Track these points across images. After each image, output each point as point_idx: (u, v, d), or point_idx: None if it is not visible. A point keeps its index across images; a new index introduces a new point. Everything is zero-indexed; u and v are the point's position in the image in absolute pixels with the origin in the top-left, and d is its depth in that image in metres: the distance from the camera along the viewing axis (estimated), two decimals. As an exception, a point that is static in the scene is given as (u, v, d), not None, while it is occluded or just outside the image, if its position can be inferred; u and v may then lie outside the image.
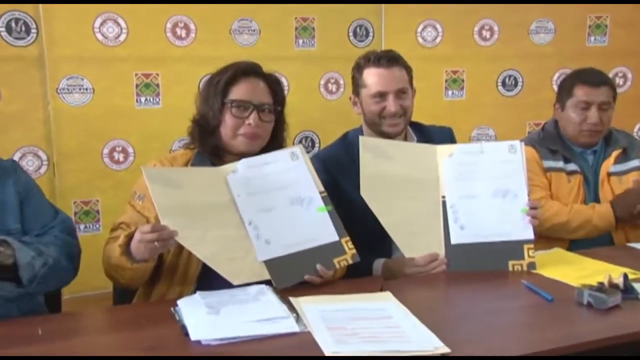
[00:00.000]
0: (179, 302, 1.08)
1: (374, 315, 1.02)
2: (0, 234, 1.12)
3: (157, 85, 2.01)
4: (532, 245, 1.29)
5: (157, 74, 2.01)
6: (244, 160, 1.26)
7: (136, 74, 1.99)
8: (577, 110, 1.65)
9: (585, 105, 1.64)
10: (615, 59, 2.38)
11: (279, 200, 1.23)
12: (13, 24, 1.84)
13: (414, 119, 1.57)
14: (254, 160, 1.26)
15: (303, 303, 1.07)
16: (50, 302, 1.27)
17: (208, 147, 1.31)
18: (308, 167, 1.28)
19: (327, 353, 0.88)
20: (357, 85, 1.53)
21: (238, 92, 1.29)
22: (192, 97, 1.38)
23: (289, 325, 0.98)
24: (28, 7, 1.85)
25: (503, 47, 2.33)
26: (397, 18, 2.24)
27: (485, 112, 2.36)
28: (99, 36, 1.94)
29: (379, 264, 1.38)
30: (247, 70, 1.31)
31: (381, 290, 1.15)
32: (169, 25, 2.01)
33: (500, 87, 2.37)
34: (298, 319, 1.00)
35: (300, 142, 2.15)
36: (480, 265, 1.29)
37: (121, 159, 2.00)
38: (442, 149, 1.40)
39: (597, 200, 1.66)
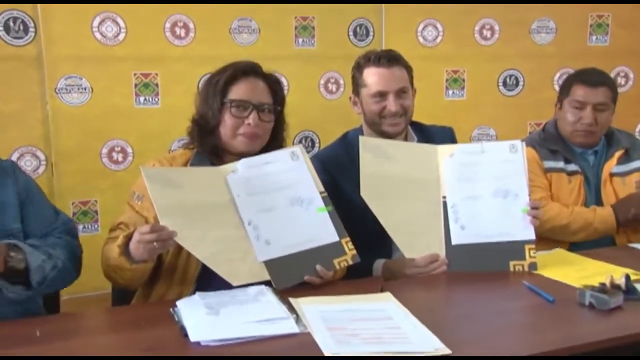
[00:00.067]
0: (178, 302, 1.07)
1: (374, 316, 1.02)
2: (1, 234, 1.12)
3: (156, 84, 2.01)
4: (533, 246, 1.29)
5: (156, 74, 2.00)
6: (243, 160, 1.25)
7: (135, 74, 1.98)
8: (572, 109, 1.65)
9: (580, 105, 1.63)
10: (616, 58, 2.37)
11: (279, 200, 1.23)
12: (11, 23, 1.84)
13: (414, 118, 1.56)
14: (254, 160, 1.26)
15: (303, 304, 1.06)
16: (48, 303, 1.26)
17: (207, 147, 1.30)
18: (308, 167, 1.28)
19: (327, 353, 0.88)
20: (357, 84, 1.53)
21: (237, 91, 1.28)
22: (192, 97, 1.37)
23: (288, 326, 0.98)
24: (26, 7, 1.84)
25: (504, 47, 2.33)
26: (398, 17, 2.23)
27: (486, 112, 2.36)
28: (98, 35, 1.93)
29: (379, 264, 1.38)
30: (246, 70, 1.31)
31: (381, 290, 1.15)
32: (168, 25, 2.00)
33: (501, 87, 2.37)
34: (298, 319, 1.00)
35: (300, 142, 2.15)
36: (481, 266, 1.28)
37: (120, 159, 2.00)
38: (443, 149, 1.40)
39: (598, 200, 1.65)
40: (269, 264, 1.17)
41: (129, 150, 2.01)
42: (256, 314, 1.01)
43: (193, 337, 0.94)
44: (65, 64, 1.90)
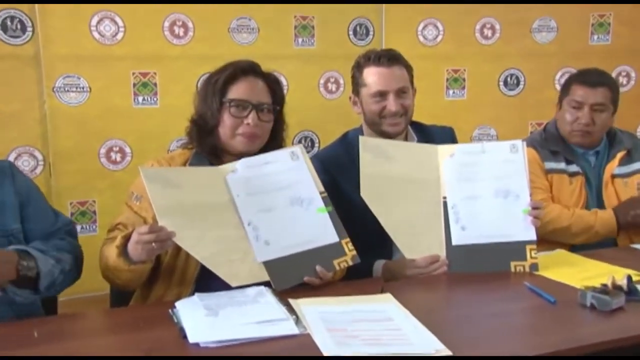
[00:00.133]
0: (177, 304, 1.07)
1: (374, 317, 1.02)
2: (0, 234, 1.12)
3: (155, 84, 2.00)
4: (534, 246, 1.28)
5: (155, 73, 2.00)
6: (243, 160, 1.24)
7: (133, 73, 1.98)
8: (570, 109, 1.64)
9: (578, 105, 1.63)
10: (618, 57, 2.37)
11: (278, 200, 1.22)
12: (8, 22, 1.83)
13: (414, 118, 1.56)
14: (254, 159, 1.25)
15: (302, 305, 1.06)
16: (46, 304, 1.26)
17: (206, 147, 1.30)
18: (308, 167, 1.27)
19: (326, 353, 0.88)
20: (357, 84, 1.52)
21: (237, 91, 1.28)
22: (190, 97, 1.37)
23: (288, 327, 0.97)
24: (24, 6, 1.84)
25: (505, 46, 2.32)
26: (398, 16, 2.23)
27: (487, 111, 2.35)
28: (96, 34, 1.92)
29: (379, 265, 1.37)
30: (245, 69, 1.30)
31: (382, 291, 1.14)
32: (166, 24, 1.99)
33: (502, 87, 2.36)
34: (297, 320, 0.99)
35: (299, 142, 2.14)
36: (481, 267, 1.28)
37: (118, 159, 1.99)
38: (443, 149, 1.39)
39: (599, 202, 1.65)
40: (269, 265, 1.17)
41: (128, 150, 2.00)
42: (255, 315, 1.01)
43: (192, 338, 0.93)
44: (63, 63, 1.89)
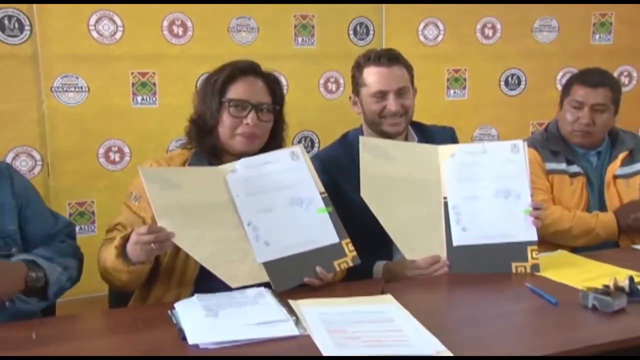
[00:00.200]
0: (176, 305, 1.06)
1: (374, 319, 1.01)
2: None
3: (154, 84, 1.99)
4: (535, 247, 1.28)
5: (154, 73, 1.99)
6: (243, 160, 1.24)
7: (132, 73, 1.97)
8: (571, 109, 1.64)
9: (579, 105, 1.62)
10: (620, 57, 2.36)
11: (278, 200, 1.22)
12: (6, 21, 1.82)
13: (415, 118, 1.55)
14: (254, 159, 1.24)
15: (302, 306, 1.05)
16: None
17: (205, 147, 1.29)
18: (308, 167, 1.27)
19: (325, 354, 0.87)
20: (357, 84, 1.51)
21: (236, 91, 1.27)
22: (190, 96, 1.36)
23: (288, 329, 0.97)
24: (22, 5, 1.83)
25: (506, 46, 2.32)
26: (398, 16, 2.22)
27: (488, 111, 2.35)
28: (94, 34, 1.91)
29: (379, 266, 1.37)
30: (245, 69, 1.29)
31: (382, 292, 1.14)
32: (165, 23, 1.99)
33: (503, 86, 2.36)
34: (297, 322, 0.99)
35: (299, 142, 2.14)
36: (482, 267, 1.27)
37: (117, 159, 1.98)
38: (444, 149, 1.39)
39: (601, 203, 1.64)
40: (268, 266, 1.16)
41: (126, 150, 1.99)
42: (255, 316, 1.00)
43: (191, 339, 0.93)
44: (61, 62, 1.89)
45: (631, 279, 1.09)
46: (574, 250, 1.53)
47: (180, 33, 2.00)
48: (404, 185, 1.33)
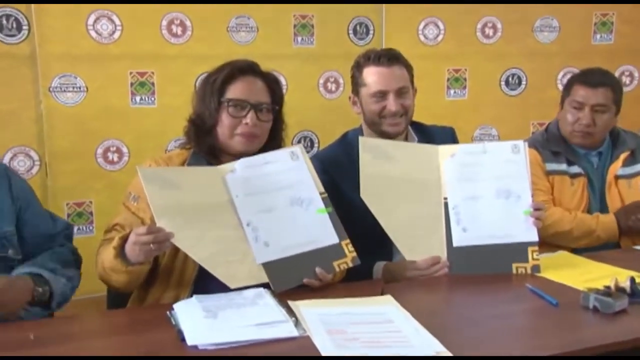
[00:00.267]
0: (175, 306, 1.06)
1: (374, 319, 1.01)
2: None
3: (153, 84, 1.99)
4: (536, 248, 1.27)
5: (153, 73, 1.98)
6: (242, 160, 1.23)
7: (131, 73, 1.96)
8: (571, 109, 1.63)
9: (579, 106, 1.62)
10: (621, 57, 2.35)
11: (278, 201, 1.21)
12: (4, 21, 1.81)
13: (415, 118, 1.55)
14: (253, 159, 1.24)
15: (302, 307, 1.05)
16: (42, 307, 1.24)
17: (204, 147, 1.28)
18: (308, 167, 1.26)
19: (324, 354, 0.87)
20: (356, 84, 1.51)
21: (235, 91, 1.27)
22: (188, 96, 1.35)
23: (287, 330, 0.96)
24: (20, 5, 1.82)
25: (506, 45, 2.31)
26: (398, 15, 2.22)
27: (488, 111, 2.34)
28: (93, 33, 1.91)
29: (379, 267, 1.36)
30: (244, 69, 1.29)
31: (382, 293, 1.14)
32: (164, 23, 1.98)
33: (503, 86, 2.35)
34: (297, 323, 0.99)
35: (299, 142, 2.13)
36: (483, 268, 1.27)
37: (115, 159, 1.98)
38: (444, 149, 1.38)
39: (602, 203, 1.64)
40: (268, 266, 1.16)
41: (125, 150, 1.99)
42: (254, 317, 1.00)
43: (190, 340, 0.92)
44: (59, 62, 1.88)
45: (632, 279, 1.09)
46: (575, 250, 1.53)
47: (180, 33, 1.99)
48: (404, 186, 1.32)
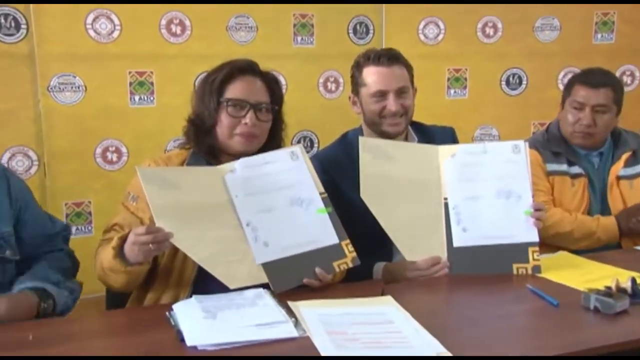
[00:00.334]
0: (174, 306, 1.05)
1: (374, 320, 1.01)
2: None
3: (152, 83, 1.98)
4: (537, 248, 1.27)
5: (152, 72, 1.98)
6: (242, 160, 1.23)
7: (130, 72, 1.96)
8: (572, 110, 1.63)
9: (580, 106, 1.62)
10: (622, 56, 2.35)
11: (278, 201, 1.21)
12: (2, 20, 1.81)
13: (415, 118, 1.54)
14: (253, 159, 1.24)
15: (302, 307, 1.05)
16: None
17: (204, 147, 1.28)
18: (308, 167, 1.26)
19: (323, 354, 0.87)
20: (356, 84, 1.51)
21: (234, 90, 1.26)
22: (188, 96, 1.35)
23: (287, 330, 0.96)
24: (18, 4, 1.81)
25: (507, 45, 2.30)
26: (398, 15, 2.21)
27: (489, 111, 2.33)
28: (92, 33, 1.90)
29: (379, 267, 1.36)
30: (243, 68, 1.29)
31: (382, 294, 1.13)
32: (163, 22, 1.97)
33: (504, 86, 2.35)
34: (297, 323, 0.98)
35: (298, 142, 2.13)
36: (483, 269, 1.26)
37: (114, 159, 1.97)
38: (444, 150, 1.38)
39: (603, 204, 1.63)
40: (267, 267, 1.15)
41: (124, 150, 1.98)
42: (254, 318, 0.99)
43: (190, 341, 0.92)
44: (58, 61, 1.87)
45: (633, 280, 1.09)
46: (576, 251, 1.52)
47: (179, 32, 1.99)
48: (404, 186, 1.32)
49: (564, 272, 1.24)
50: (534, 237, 1.27)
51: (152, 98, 1.99)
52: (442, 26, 2.27)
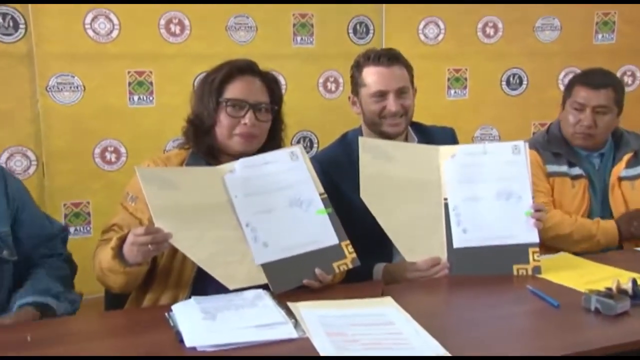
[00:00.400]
0: (173, 307, 1.05)
1: (374, 321, 1.00)
2: None
3: (151, 83, 1.98)
4: (537, 249, 1.27)
5: (151, 72, 1.97)
6: (242, 160, 1.23)
7: (129, 72, 1.95)
8: (573, 111, 1.63)
9: (580, 107, 1.61)
10: (623, 57, 2.35)
11: (277, 201, 1.20)
12: (1, 19, 1.81)
13: (415, 118, 1.54)
14: (253, 159, 1.23)
15: (301, 308, 1.04)
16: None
17: (203, 147, 1.28)
18: (308, 168, 1.25)
19: (323, 355, 0.87)
20: (356, 84, 1.50)
21: (233, 90, 1.26)
22: (187, 96, 1.34)
23: (287, 331, 0.96)
24: (17, 4, 1.81)
25: (507, 45, 2.30)
26: (398, 15, 2.21)
27: (489, 111, 2.33)
28: (91, 32, 1.90)
29: (379, 268, 1.36)
30: (243, 68, 1.28)
31: (382, 295, 1.13)
32: (162, 22, 1.97)
33: (504, 86, 2.35)
34: (296, 324, 0.98)
35: (298, 142, 2.13)
36: (483, 269, 1.26)
37: (113, 159, 1.97)
38: (444, 150, 1.38)
39: (604, 206, 1.62)
40: (267, 267, 1.15)
41: (123, 150, 1.98)
42: (254, 319, 0.99)
43: (189, 342, 0.92)
44: (56, 61, 1.87)
45: (634, 281, 1.08)
46: (576, 252, 1.52)
47: (178, 32, 1.99)
48: (404, 186, 1.32)
49: (564, 273, 1.24)
50: (534, 238, 1.27)
51: (151, 98, 1.98)
52: (442, 26, 2.26)
